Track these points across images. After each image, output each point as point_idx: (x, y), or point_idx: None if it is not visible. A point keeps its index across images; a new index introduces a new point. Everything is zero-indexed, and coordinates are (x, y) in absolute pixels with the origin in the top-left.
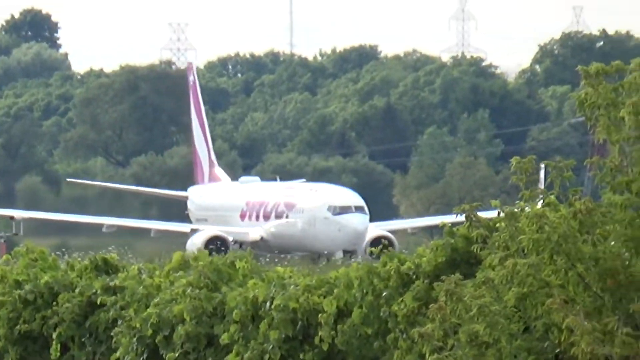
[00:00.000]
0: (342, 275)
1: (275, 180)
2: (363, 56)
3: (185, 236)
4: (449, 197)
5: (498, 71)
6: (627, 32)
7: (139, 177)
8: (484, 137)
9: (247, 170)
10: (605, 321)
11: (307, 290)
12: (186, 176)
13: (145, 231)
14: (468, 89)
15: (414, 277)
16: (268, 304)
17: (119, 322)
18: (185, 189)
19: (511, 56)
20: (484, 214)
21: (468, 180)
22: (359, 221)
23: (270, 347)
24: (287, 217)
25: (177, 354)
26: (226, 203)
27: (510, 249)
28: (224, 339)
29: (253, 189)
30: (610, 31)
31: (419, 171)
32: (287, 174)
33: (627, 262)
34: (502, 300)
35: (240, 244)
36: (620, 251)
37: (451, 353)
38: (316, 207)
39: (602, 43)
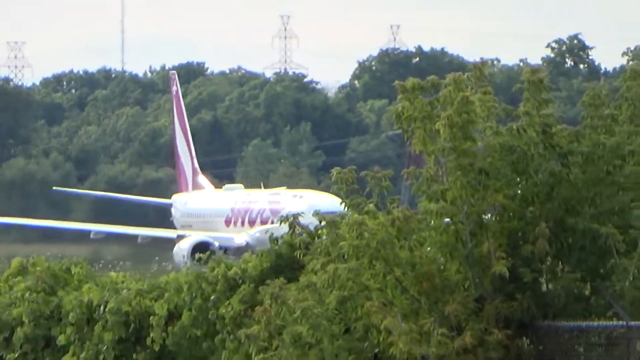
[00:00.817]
0: (172, 280)
1: (260, 187)
2: (191, 73)
3: (171, 242)
4: None
5: (319, 86)
6: (442, 49)
7: None
8: (306, 149)
9: (81, 180)
10: (422, 322)
11: (139, 294)
12: (22, 187)
13: (133, 237)
14: (291, 104)
15: (241, 281)
16: (102, 307)
17: None
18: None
19: (331, 72)
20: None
21: None
22: None
23: (105, 348)
24: (272, 222)
25: (16, 355)
26: (211, 209)
27: (331, 254)
28: (61, 340)
29: (238, 196)
30: (426, 48)
31: (245, 181)
32: (119, 185)
33: (442, 267)
34: (324, 303)
35: (225, 250)
36: (436, 256)
37: (276, 353)
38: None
39: (417, 59)
